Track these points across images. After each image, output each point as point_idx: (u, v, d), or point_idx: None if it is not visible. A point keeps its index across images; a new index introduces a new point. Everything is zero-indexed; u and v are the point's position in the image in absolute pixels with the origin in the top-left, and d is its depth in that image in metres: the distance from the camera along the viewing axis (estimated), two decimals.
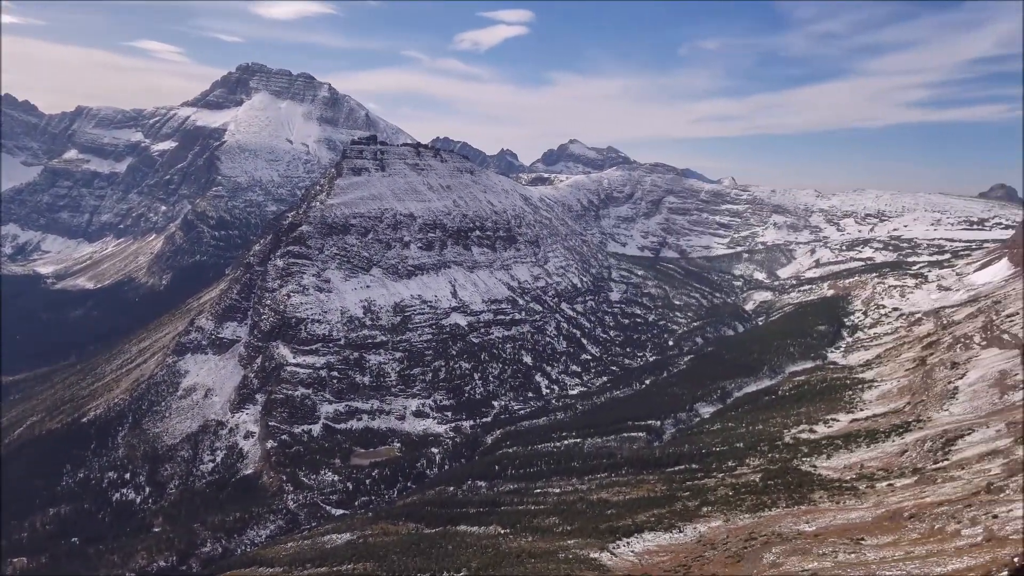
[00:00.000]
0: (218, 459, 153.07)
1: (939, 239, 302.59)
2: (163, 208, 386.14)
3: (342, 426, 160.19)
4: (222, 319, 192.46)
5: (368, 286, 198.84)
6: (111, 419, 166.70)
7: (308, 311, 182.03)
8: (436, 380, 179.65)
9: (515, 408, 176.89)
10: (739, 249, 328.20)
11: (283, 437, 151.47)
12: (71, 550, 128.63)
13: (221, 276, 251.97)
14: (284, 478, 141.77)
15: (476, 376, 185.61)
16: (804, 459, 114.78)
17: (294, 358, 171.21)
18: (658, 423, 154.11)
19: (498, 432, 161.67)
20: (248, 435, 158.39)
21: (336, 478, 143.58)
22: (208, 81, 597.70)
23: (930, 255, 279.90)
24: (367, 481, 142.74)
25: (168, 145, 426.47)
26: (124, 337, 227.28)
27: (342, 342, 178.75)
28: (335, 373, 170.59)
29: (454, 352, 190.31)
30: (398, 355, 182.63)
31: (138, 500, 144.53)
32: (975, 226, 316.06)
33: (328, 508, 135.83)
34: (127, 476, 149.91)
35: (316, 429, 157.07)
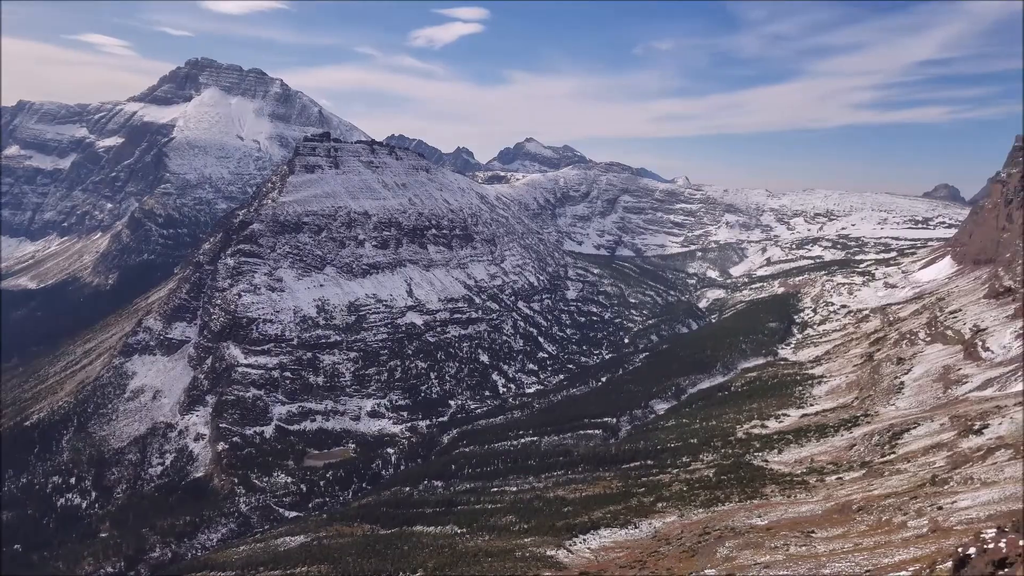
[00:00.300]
0: (167, 462, 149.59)
1: (885, 237, 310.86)
2: (109, 206, 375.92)
3: (295, 427, 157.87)
4: (171, 319, 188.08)
5: (322, 285, 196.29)
6: (55, 422, 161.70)
7: (260, 311, 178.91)
8: (392, 380, 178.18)
9: (472, 407, 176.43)
10: (693, 248, 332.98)
11: (234, 439, 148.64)
12: (14, 557, 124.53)
13: (170, 275, 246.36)
14: (236, 481, 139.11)
15: (432, 375, 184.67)
16: (756, 454, 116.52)
17: (246, 359, 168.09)
18: (614, 420, 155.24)
19: (455, 431, 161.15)
20: (198, 437, 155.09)
21: (289, 480, 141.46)
22: (156, 76, 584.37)
23: (877, 253, 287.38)
24: (321, 483, 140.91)
25: (114, 141, 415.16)
26: (68, 338, 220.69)
27: (295, 342, 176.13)
28: (288, 374, 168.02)
29: (410, 351, 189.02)
30: (353, 355, 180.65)
31: (84, 505, 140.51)
32: (920, 225, 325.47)
33: (281, 510, 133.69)
34: (72, 481, 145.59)
35: (268, 431, 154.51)
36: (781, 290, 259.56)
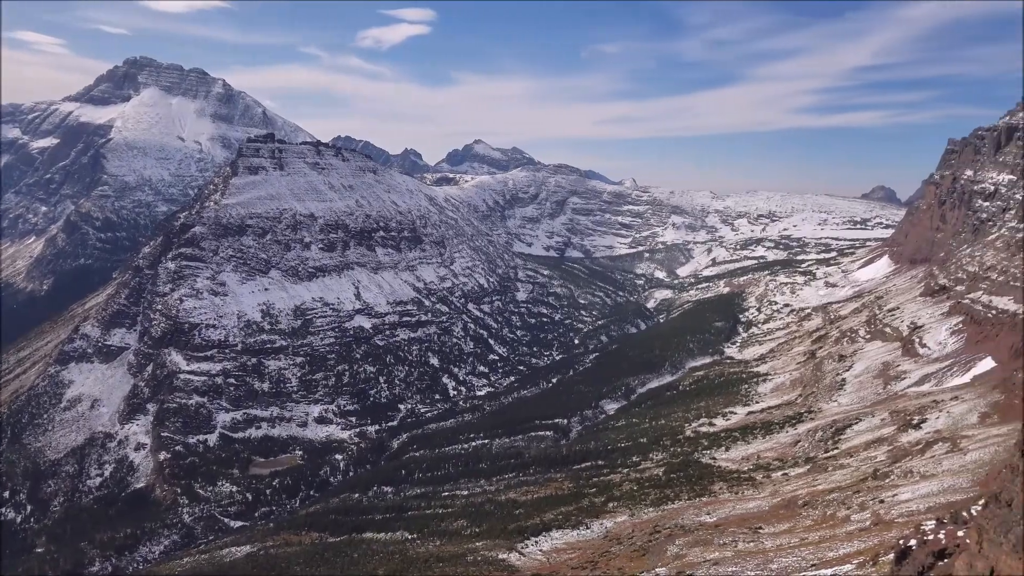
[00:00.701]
0: (106, 473, 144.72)
1: (826, 238, 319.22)
2: (43, 209, 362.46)
3: (240, 435, 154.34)
4: (109, 326, 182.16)
5: (266, 289, 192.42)
6: None
7: (202, 316, 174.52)
8: (339, 384, 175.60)
9: (422, 411, 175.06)
10: (640, 249, 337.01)
11: (177, 448, 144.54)
12: None
13: (108, 280, 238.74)
14: (178, 491, 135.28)
15: (381, 379, 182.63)
16: (704, 452, 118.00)
17: (188, 365, 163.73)
18: (565, 421, 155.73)
19: (404, 436, 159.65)
20: (139, 447, 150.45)
21: (234, 489, 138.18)
22: (92, 75, 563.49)
23: (818, 253, 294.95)
24: (267, 491, 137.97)
25: (49, 142, 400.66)
26: (1, 346, 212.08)
27: (239, 347, 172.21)
28: (232, 380, 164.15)
29: (358, 355, 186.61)
30: (299, 360, 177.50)
31: (19, 519, 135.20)
32: (858, 225, 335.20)
33: (226, 520, 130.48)
34: (6, 494, 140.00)
35: (212, 439, 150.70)
36: (727, 290, 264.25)
